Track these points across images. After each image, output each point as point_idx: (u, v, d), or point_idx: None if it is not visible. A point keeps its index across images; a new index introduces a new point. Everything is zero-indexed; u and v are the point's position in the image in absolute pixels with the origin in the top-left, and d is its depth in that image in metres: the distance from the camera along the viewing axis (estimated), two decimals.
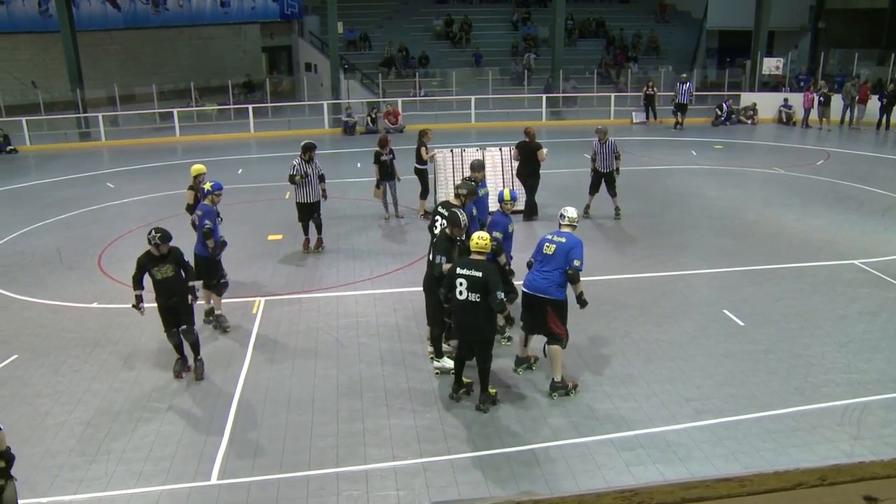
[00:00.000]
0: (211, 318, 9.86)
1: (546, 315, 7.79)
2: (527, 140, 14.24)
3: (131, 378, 8.52)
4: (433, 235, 8.85)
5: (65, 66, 25.69)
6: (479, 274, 7.29)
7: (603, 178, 14.17)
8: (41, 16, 26.96)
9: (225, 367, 8.76)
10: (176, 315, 8.35)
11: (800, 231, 13.46)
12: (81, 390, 8.26)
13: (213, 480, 6.66)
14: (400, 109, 26.13)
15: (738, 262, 11.87)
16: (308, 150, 12.25)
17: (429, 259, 8.55)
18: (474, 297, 7.32)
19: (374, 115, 25.77)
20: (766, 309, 10.06)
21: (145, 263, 8.38)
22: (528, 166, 14.24)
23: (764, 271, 11.47)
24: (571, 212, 8.17)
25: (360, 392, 8.13)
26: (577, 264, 7.72)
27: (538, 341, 8.24)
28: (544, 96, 27.71)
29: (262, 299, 10.73)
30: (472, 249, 7.54)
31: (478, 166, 10.50)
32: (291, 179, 12.13)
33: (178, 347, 8.46)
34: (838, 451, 6.85)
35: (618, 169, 14.19)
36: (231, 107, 27.67)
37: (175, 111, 26.11)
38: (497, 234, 8.63)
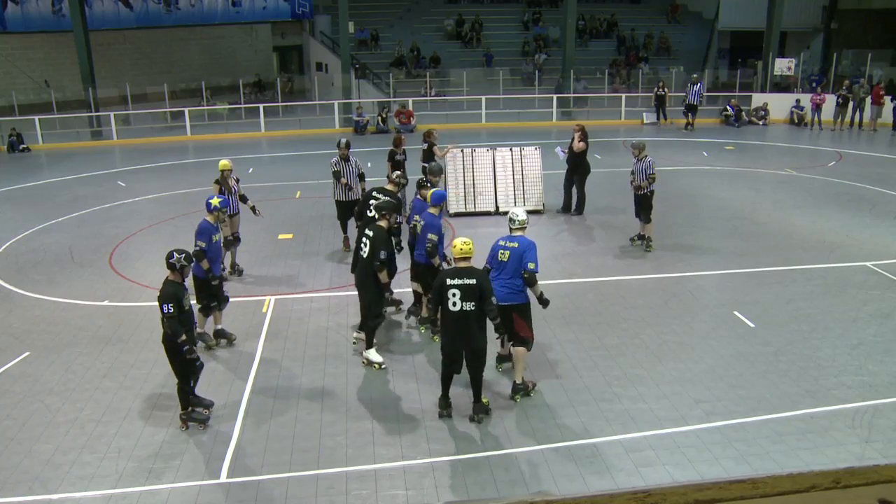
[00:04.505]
0: (219, 338, 9.35)
1: (512, 321, 7.73)
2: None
3: (141, 376, 8.56)
4: (364, 221, 9.05)
5: (77, 65, 25.86)
6: (473, 281, 7.11)
7: (636, 200, 12.49)
8: (54, 15, 27.14)
9: (235, 366, 8.79)
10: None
11: (811, 233, 13.38)
12: (92, 388, 8.30)
13: (223, 479, 6.68)
14: (412, 109, 26.14)
15: (748, 264, 11.81)
16: (338, 146, 12.43)
17: (359, 253, 8.65)
18: (469, 307, 7.11)
19: (384, 115, 25.80)
20: (776, 311, 10.01)
21: (178, 293, 7.21)
22: (581, 157, 14.37)
23: (775, 273, 11.42)
24: (520, 213, 8.03)
25: (369, 391, 8.14)
26: (532, 267, 7.60)
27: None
28: (555, 96, 27.67)
29: (272, 298, 10.75)
30: (457, 256, 7.32)
31: (437, 170, 10.72)
32: (335, 176, 12.30)
33: (193, 390, 7.57)
34: (849, 454, 6.81)
35: (649, 191, 12.20)
36: (242, 106, 27.76)
37: (186, 110, 26.22)
38: (432, 236, 8.71)
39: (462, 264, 7.28)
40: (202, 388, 7.92)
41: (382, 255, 8.30)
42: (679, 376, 8.29)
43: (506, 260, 7.71)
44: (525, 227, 8.00)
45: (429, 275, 9.00)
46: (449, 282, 7.17)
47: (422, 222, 9.01)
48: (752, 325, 9.58)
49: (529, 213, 14.47)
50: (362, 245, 8.59)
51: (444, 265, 8.85)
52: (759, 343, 9.07)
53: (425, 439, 7.20)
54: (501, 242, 7.87)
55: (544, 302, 7.87)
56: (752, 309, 10.05)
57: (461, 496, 6.30)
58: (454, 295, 7.12)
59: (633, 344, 9.12)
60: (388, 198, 9.52)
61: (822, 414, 7.47)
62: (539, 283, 7.79)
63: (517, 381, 7.84)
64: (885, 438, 7.04)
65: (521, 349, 7.80)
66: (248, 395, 8.12)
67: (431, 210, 9.12)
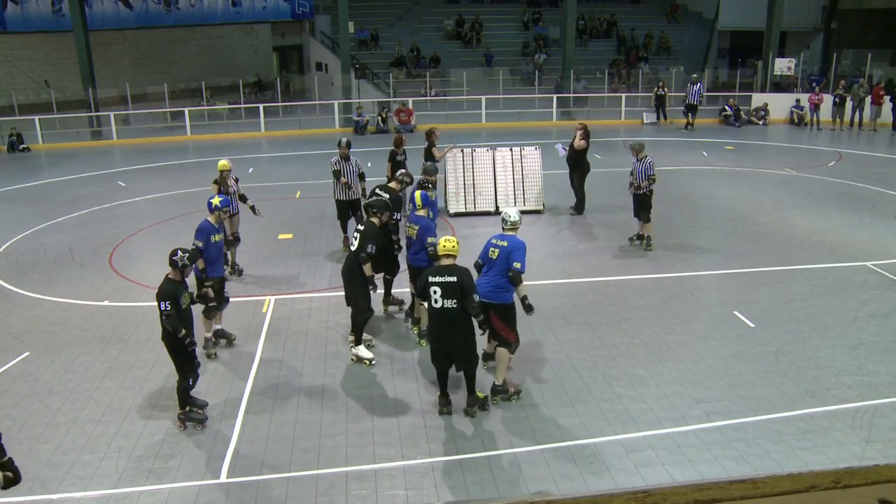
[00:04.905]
0: (219, 338, 9.27)
1: (491, 320, 7.70)
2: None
3: (141, 376, 8.56)
4: (365, 215, 9.19)
5: (77, 65, 25.86)
6: (454, 279, 7.16)
7: (635, 200, 12.49)
8: (54, 15, 27.15)
9: (235, 366, 8.79)
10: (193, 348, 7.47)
11: (811, 232, 13.38)
12: (92, 388, 8.30)
13: (223, 479, 6.68)
14: (412, 109, 26.14)
15: (748, 264, 11.81)
16: (338, 146, 12.45)
17: (350, 247, 8.75)
18: (450, 304, 7.16)
19: (384, 115, 25.81)
20: (776, 311, 10.01)
21: (175, 291, 7.22)
22: (581, 155, 14.38)
23: (775, 273, 11.42)
24: (513, 214, 8.04)
25: (368, 391, 8.15)
26: (518, 266, 7.56)
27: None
28: (555, 96, 27.67)
29: (272, 298, 10.75)
30: (441, 254, 7.40)
31: (431, 170, 10.83)
32: (335, 175, 12.31)
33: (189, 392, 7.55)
34: (849, 454, 6.81)
35: (648, 191, 12.21)
36: (242, 106, 27.76)
37: (186, 110, 26.22)
38: (432, 239, 8.75)
39: (445, 262, 7.34)
40: (202, 388, 7.93)
41: (370, 248, 8.42)
42: (679, 376, 8.29)
43: (495, 258, 7.73)
44: (517, 228, 8.00)
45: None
46: (431, 279, 7.25)
47: (416, 227, 9.00)
48: (752, 325, 9.58)
49: (529, 212, 14.64)
50: (353, 239, 8.72)
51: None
52: (759, 343, 9.07)
53: (425, 439, 7.20)
54: (494, 240, 7.90)
55: (528, 307, 7.74)
56: (752, 309, 10.05)
57: (461, 496, 6.30)
58: (435, 292, 7.20)
59: (633, 344, 9.11)
60: (387, 195, 9.79)
61: (822, 414, 7.47)
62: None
63: (497, 383, 7.80)
64: (885, 438, 7.04)
65: (502, 350, 7.76)
66: (248, 394, 8.12)
67: (420, 213, 9.19)
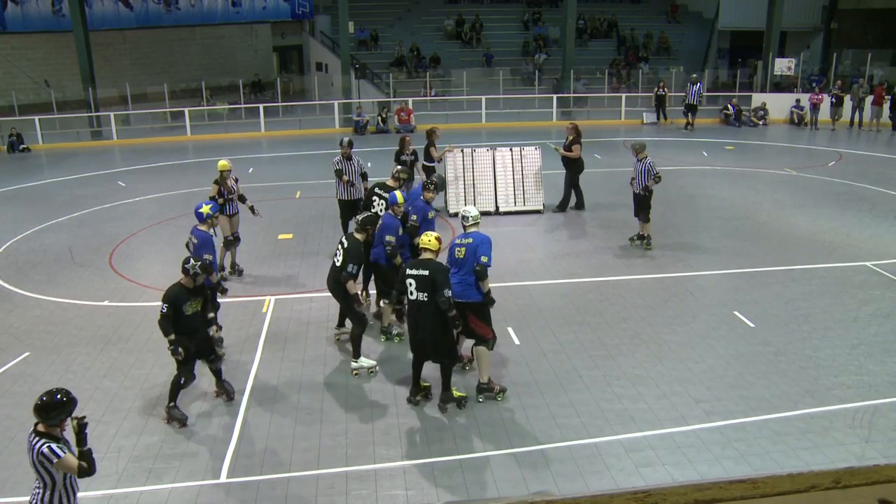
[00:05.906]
0: None
1: (467, 319, 7.72)
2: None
3: (141, 376, 8.56)
4: (366, 213, 9.25)
5: (77, 65, 25.85)
6: (426, 272, 7.28)
7: (635, 200, 12.52)
8: (54, 15, 27.14)
9: (234, 366, 8.79)
10: (199, 353, 7.63)
11: (811, 232, 13.38)
12: (92, 387, 8.30)
13: (223, 479, 6.68)
14: (412, 109, 26.14)
15: (748, 264, 11.81)
16: (340, 145, 12.42)
17: (335, 260, 8.48)
18: (423, 297, 7.29)
19: (384, 115, 25.81)
20: (776, 310, 10.01)
21: (178, 296, 7.37)
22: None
23: (775, 273, 11.42)
24: (472, 210, 8.13)
25: (368, 391, 8.15)
26: (485, 260, 7.64)
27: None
28: (555, 96, 27.67)
29: (272, 298, 10.75)
30: (421, 247, 7.61)
31: (440, 185, 10.89)
32: (337, 174, 12.27)
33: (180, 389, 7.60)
34: (849, 454, 6.81)
35: (649, 190, 12.19)
36: (242, 106, 27.76)
37: (186, 110, 26.21)
38: (390, 238, 8.91)
39: (424, 255, 7.52)
40: (204, 387, 7.94)
41: (350, 267, 8.19)
42: (679, 376, 8.29)
43: (462, 257, 7.77)
44: (479, 223, 8.07)
45: (379, 275, 9.31)
46: (408, 272, 7.46)
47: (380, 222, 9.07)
48: (752, 324, 9.58)
49: (530, 212, 14.65)
50: (336, 252, 8.50)
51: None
52: (759, 343, 9.07)
53: (425, 439, 7.20)
54: (457, 241, 7.96)
55: (490, 300, 7.84)
56: (752, 309, 10.05)
57: (461, 496, 6.30)
58: (411, 284, 7.39)
59: (633, 344, 9.11)
60: (387, 194, 9.84)
61: (822, 414, 7.47)
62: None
63: (482, 381, 7.83)
64: (885, 438, 7.04)
65: (481, 349, 7.79)
66: (248, 394, 8.12)
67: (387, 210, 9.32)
